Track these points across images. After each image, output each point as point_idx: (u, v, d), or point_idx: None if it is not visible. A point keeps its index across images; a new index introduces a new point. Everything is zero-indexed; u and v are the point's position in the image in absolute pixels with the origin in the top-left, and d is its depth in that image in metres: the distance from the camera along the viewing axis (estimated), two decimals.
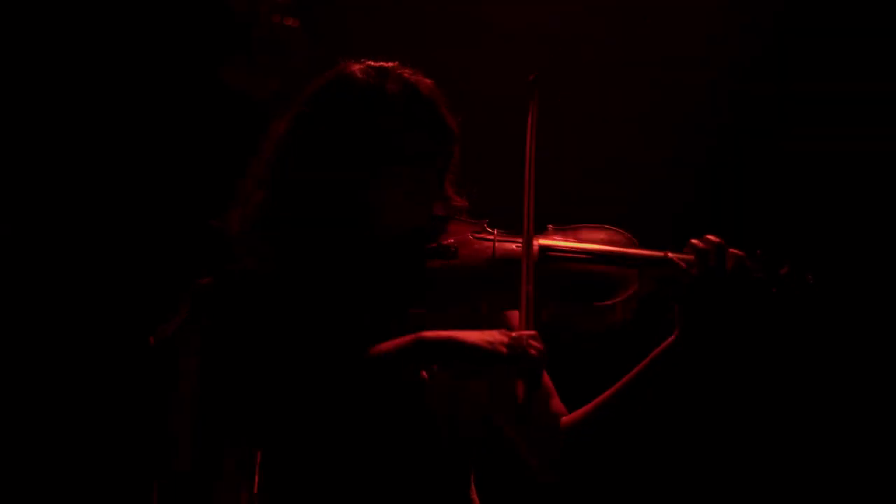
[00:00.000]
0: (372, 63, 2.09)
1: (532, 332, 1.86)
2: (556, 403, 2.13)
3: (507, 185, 2.18)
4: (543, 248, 2.02)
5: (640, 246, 2.06)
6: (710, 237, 1.99)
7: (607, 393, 2.07)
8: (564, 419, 2.11)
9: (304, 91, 2.10)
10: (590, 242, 2.06)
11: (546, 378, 2.14)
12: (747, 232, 2.10)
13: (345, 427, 1.97)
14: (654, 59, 3.81)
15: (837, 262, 3.16)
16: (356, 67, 2.08)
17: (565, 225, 2.10)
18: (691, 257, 1.99)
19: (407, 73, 2.08)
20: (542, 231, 2.08)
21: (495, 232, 2.08)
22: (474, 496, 2.10)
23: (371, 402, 1.96)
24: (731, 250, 1.98)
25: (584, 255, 2.03)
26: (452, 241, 2.06)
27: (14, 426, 3.61)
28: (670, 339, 2.02)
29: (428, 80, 2.09)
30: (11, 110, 3.66)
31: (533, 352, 1.84)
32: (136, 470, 3.53)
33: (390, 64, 2.09)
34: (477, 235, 2.08)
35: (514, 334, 1.86)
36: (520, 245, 1.99)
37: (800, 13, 3.73)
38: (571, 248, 2.05)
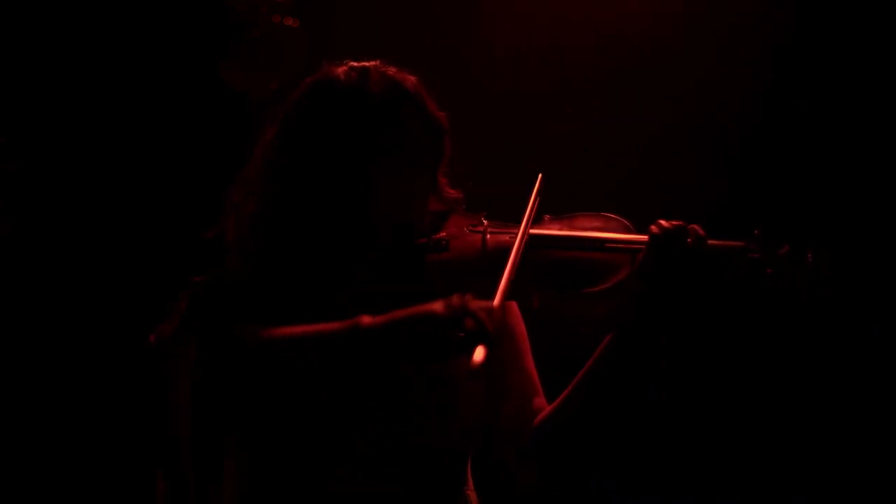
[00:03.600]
0: (354, 63, 2.07)
1: (487, 304, 1.78)
2: (539, 402, 2.11)
3: (507, 177, 2.17)
4: (533, 237, 2.01)
5: (636, 232, 2.04)
6: (661, 221, 1.97)
7: (570, 385, 2.05)
8: (538, 417, 2.09)
9: (290, 97, 2.09)
10: (583, 230, 2.05)
11: (534, 376, 2.13)
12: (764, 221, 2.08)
13: (331, 424, 1.96)
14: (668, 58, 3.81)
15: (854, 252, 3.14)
16: (338, 70, 2.06)
17: (562, 214, 2.09)
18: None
19: (390, 70, 2.06)
20: (538, 221, 2.07)
21: (486, 224, 2.07)
22: (470, 494, 2.10)
23: (358, 397, 1.96)
24: (692, 227, 1.95)
25: (573, 242, 2.03)
26: (444, 234, 2.06)
27: (13, 426, 3.62)
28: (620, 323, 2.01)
29: (412, 77, 2.07)
30: (9, 109, 3.67)
31: (469, 322, 1.75)
32: (136, 470, 3.54)
33: (371, 63, 2.07)
34: (471, 228, 2.07)
35: (460, 300, 1.79)
36: (511, 236, 1.99)
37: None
38: (560, 235, 2.03)
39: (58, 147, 3.71)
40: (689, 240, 1.95)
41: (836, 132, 3.72)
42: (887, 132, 3.68)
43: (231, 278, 2.01)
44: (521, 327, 2.15)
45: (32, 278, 3.67)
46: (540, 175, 2.09)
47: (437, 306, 1.79)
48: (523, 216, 2.01)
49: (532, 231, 2.01)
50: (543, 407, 2.10)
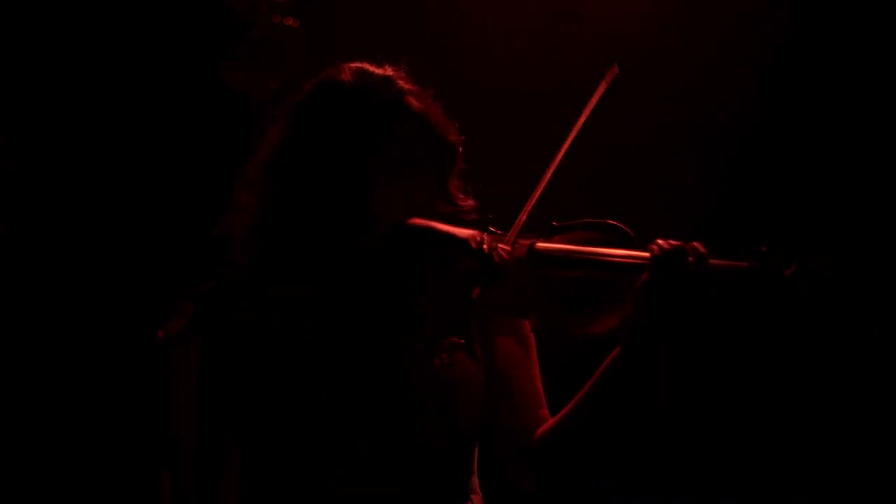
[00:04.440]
0: (367, 67, 2.07)
1: (504, 247, 1.91)
2: (544, 413, 2.10)
3: (507, 178, 2.16)
4: (533, 251, 2.00)
5: (638, 241, 2.00)
6: (660, 241, 1.94)
7: (573, 400, 2.03)
8: (541, 429, 2.08)
9: (296, 96, 2.09)
10: (588, 243, 2.01)
11: (539, 389, 2.12)
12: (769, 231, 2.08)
13: (331, 424, 1.97)
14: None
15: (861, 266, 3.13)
16: (348, 73, 2.06)
17: (565, 222, 2.06)
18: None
19: (402, 80, 2.06)
20: (543, 232, 2.05)
21: (486, 232, 2.06)
22: (474, 494, 2.10)
23: (358, 397, 1.96)
24: (693, 245, 1.93)
25: (575, 260, 1.99)
26: None
27: (14, 426, 3.62)
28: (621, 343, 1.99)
29: (422, 88, 2.07)
30: (9, 109, 3.67)
31: (495, 258, 1.88)
32: (136, 470, 3.54)
33: (382, 72, 2.06)
34: None
35: (488, 243, 1.89)
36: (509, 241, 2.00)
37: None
38: (561, 255, 2.00)
39: (58, 147, 3.71)
40: (690, 258, 1.92)
41: (836, 132, 3.72)
42: (887, 132, 3.68)
43: (233, 278, 2.01)
44: (531, 340, 2.14)
45: (32, 278, 3.67)
46: (616, 67, 2.13)
47: (469, 238, 1.89)
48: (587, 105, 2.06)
49: (537, 245, 2.00)
50: (547, 418, 2.08)
